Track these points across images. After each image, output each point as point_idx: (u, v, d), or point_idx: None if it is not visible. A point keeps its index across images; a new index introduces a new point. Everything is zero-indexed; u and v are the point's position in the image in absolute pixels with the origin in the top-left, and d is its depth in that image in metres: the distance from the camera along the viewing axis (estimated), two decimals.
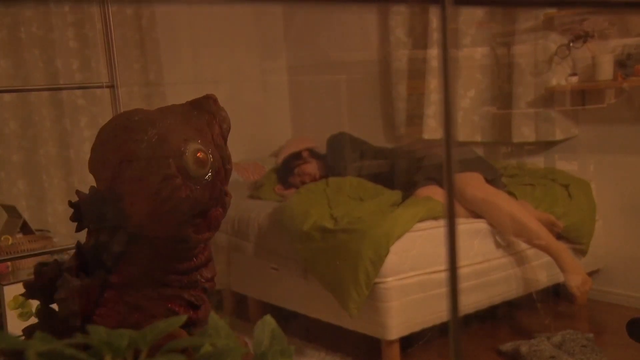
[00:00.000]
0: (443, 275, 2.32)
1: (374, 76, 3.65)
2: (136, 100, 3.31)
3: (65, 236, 2.79)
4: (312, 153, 3.08)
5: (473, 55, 3.12)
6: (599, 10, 2.64)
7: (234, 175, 3.19)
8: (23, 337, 0.68)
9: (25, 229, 2.36)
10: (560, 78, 2.86)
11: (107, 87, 1.33)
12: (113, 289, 0.69)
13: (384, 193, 2.66)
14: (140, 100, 3.34)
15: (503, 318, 2.63)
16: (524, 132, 2.96)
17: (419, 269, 2.27)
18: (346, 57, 3.66)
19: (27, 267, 2.16)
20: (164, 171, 0.65)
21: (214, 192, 0.69)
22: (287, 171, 3.04)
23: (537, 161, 3.03)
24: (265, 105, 3.95)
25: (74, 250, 0.70)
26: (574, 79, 2.79)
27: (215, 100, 0.72)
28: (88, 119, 3.15)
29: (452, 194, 0.50)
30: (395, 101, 3.49)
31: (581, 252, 2.69)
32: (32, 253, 2.01)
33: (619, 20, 2.69)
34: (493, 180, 2.65)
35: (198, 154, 0.67)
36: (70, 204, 0.70)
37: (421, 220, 2.32)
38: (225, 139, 0.72)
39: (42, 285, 0.70)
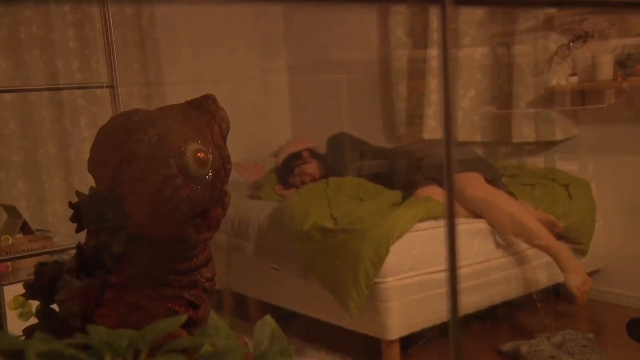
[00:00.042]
0: (443, 275, 2.32)
1: (374, 76, 3.65)
2: (136, 100, 3.31)
3: (65, 236, 2.79)
4: (312, 153, 3.08)
5: (473, 55, 3.12)
6: (599, 10, 2.64)
7: (234, 175, 3.20)
8: (23, 337, 0.68)
9: (25, 229, 2.36)
10: (560, 78, 2.86)
11: (107, 87, 1.33)
12: (113, 289, 0.69)
13: (384, 193, 2.66)
14: (140, 100, 3.34)
15: (503, 318, 2.63)
16: (524, 132, 2.96)
17: (419, 269, 2.27)
18: (346, 57, 3.66)
19: (27, 267, 2.16)
20: (165, 171, 0.65)
21: (214, 192, 0.69)
22: (287, 171, 3.04)
23: (537, 161, 3.03)
24: (265, 105, 3.95)
25: (74, 251, 0.70)
26: (574, 79, 2.79)
27: (214, 100, 0.72)
28: (88, 119, 3.15)
29: (452, 194, 0.50)
30: (395, 101, 3.49)
31: (581, 252, 2.69)
32: (32, 253, 2.01)
33: (619, 20, 2.69)
34: (493, 180, 2.65)
35: (198, 154, 0.67)
36: (70, 205, 0.70)
37: (421, 220, 2.32)
38: (224, 139, 0.72)
39: (42, 285, 0.70)
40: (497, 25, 3.08)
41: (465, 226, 2.42)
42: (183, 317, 0.50)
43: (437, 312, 2.30)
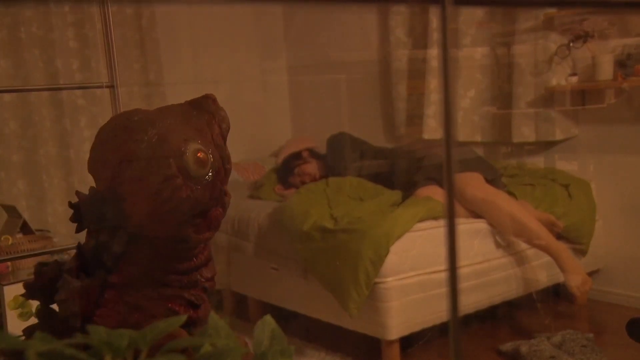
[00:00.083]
0: (443, 275, 2.32)
1: (374, 76, 3.65)
2: (136, 100, 3.31)
3: (65, 236, 2.79)
4: (312, 153, 3.08)
5: (473, 55, 3.12)
6: (599, 10, 2.64)
7: (234, 175, 3.20)
8: (23, 337, 0.68)
9: (25, 229, 2.36)
10: (560, 78, 2.86)
11: (107, 87, 1.33)
12: (113, 289, 0.69)
13: (384, 193, 2.66)
14: (140, 100, 3.34)
15: (503, 318, 2.63)
16: (524, 132, 2.96)
17: (419, 269, 2.27)
18: (346, 57, 3.66)
19: (27, 267, 2.16)
20: (165, 171, 0.65)
21: (214, 192, 0.69)
22: (287, 171, 3.04)
23: (537, 161, 3.03)
24: (265, 105, 3.95)
25: (74, 251, 0.70)
26: (574, 79, 2.79)
27: (214, 100, 0.72)
28: (88, 119, 3.15)
29: (452, 194, 0.50)
30: (395, 101, 3.49)
31: (581, 252, 2.69)
32: (32, 253, 2.01)
33: (619, 20, 2.69)
34: (493, 180, 2.65)
35: (198, 154, 0.67)
36: (70, 205, 0.70)
37: (421, 220, 2.32)
38: (224, 139, 0.72)
39: (42, 285, 0.70)
40: (497, 25, 3.08)
41: (465, 226, 2.42)
42: (183, 317, 0.50)
43: (437, 312, 2.30)
